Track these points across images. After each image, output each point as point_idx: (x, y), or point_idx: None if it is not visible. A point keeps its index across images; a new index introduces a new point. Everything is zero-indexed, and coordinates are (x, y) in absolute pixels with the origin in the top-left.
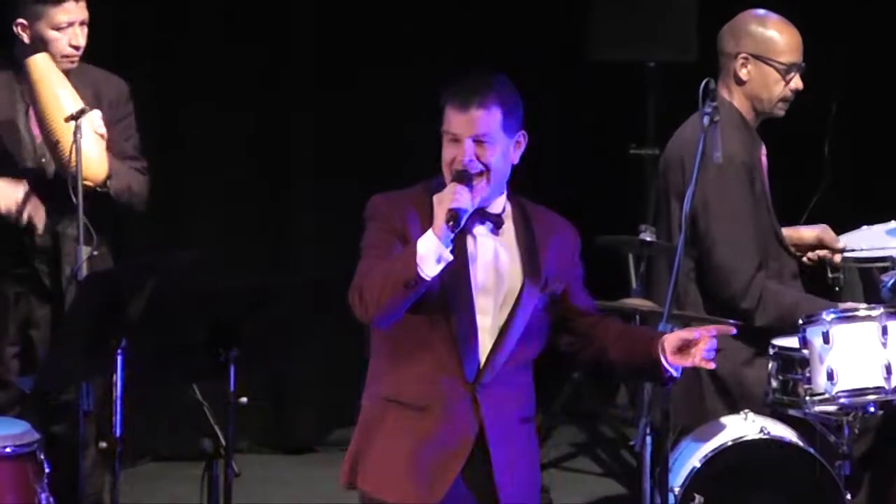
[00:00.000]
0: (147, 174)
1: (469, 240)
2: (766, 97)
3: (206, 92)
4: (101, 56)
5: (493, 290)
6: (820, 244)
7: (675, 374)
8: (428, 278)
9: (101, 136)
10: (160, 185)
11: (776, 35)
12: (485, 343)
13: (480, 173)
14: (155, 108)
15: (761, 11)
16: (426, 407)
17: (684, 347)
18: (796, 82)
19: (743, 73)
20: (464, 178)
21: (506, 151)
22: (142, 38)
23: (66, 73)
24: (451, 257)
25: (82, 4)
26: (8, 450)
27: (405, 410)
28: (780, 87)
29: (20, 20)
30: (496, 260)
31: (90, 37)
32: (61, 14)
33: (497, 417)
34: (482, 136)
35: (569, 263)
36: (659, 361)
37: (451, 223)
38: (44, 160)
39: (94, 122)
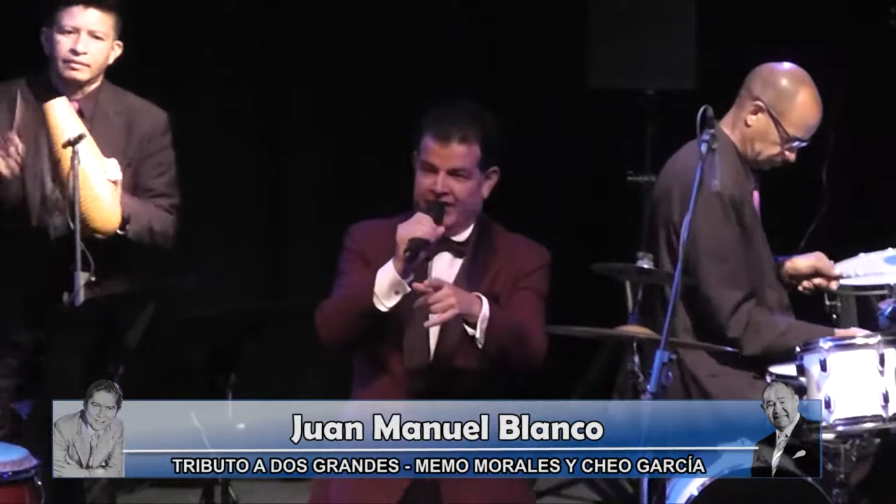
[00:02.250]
0: (174, 212)
1: (430, 267)
2: (759, 149)
3: (207, 117)
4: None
5: None
6: (815, 273)
7: None
8: (384, 309)
9: (115, 182)
10: None
11: (799, 106)
12: None
13: (451, 205)
14: None
15: (801, 73)
16: None
17: None
18: (790, 154)
19: (751, 119)
20: (434, 208)
21: (478, 186)
22: (148, 65)
23: (98, 94)
24: (408, 289)
25: (94, 14)
26: (6, 475)
27: None
28: (775, 149)
29: (43, 28)
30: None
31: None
32: (66, 17)
33: None
34: (459, 170)
35: (515, 276)
36: None
37: (407, 254)
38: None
39: (107, 170)
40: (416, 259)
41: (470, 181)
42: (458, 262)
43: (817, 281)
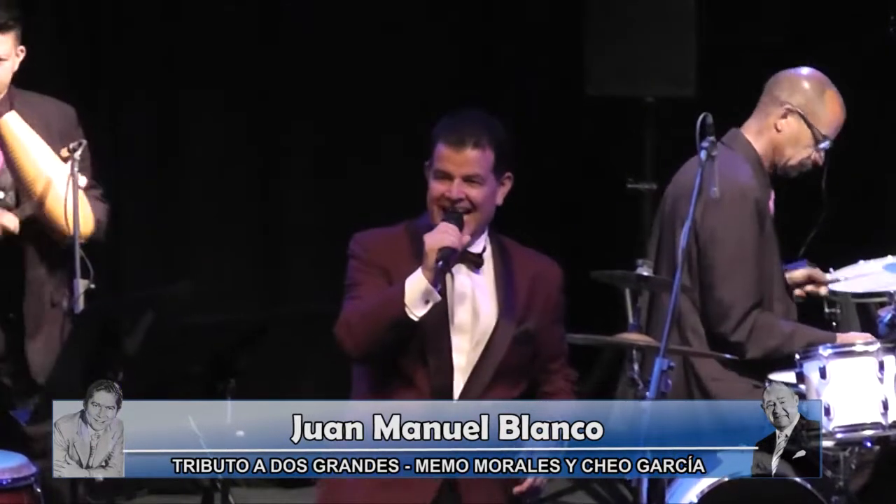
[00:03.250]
0: (105, 201)
1: (448, 278)
2: (790, 154)
3: (204, 121)
4: (100, 83)
5: (469, 329)
6: (808, 280)
7: None
8: (416, 319)
9: (82, 188)
10: (157, 217)
11: (829, 106)
12: (458, 380)
13: (468, 212)
14: (154, 140)
15: (822, 76)
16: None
17: None
18: (819, 156)
19: (781, 123)
20: (453, 217)
21: (493, 192)
22: (142, 68)
23: (11, 101)
24: (439, 298)
25: None
26: (5, 482)
27: None
28: (807, 152)
29: None
30: (473, 299)
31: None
32: None
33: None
34: (473, 177)
35: (545, 302)
36: None
37: (440, 263)
38: (1, 195)
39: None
40: (448, 268)
41: (485, 187)
42: (475, 275)
43: (809, 288)
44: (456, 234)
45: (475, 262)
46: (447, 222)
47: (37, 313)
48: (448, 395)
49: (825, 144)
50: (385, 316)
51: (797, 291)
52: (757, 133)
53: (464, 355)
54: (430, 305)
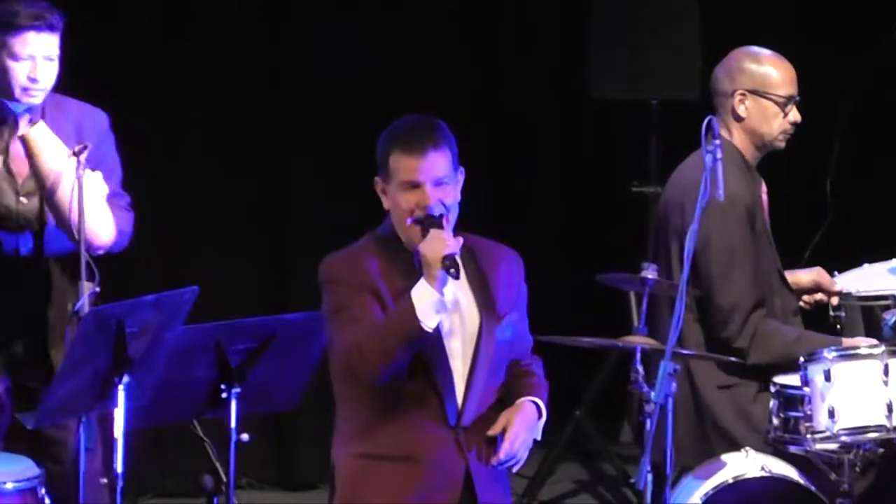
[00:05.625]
0: (132, 210)
1: None
2: (766, 131)
3: (205, 121)
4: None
5: (459, 332)
6: (816, 288)
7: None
8: (430, 330)
9: (103, 196)
10: (162, 222)
11: (772, 69)
12: (459, 385)
13: (442, 215)
14: (158, 145)
15: (753, 48)
16: (412, 457)
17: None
18: (794, 115)
19: (741, 110)
20: (435, 223)
21: (457, 191)
22: (141, 72)
23: (44, 107)
24: (449, 305)
25: (47, 39)
26: (9, 485)
27: (391, 464)
28: (779, 121)
29: None
30: (456, 302)
31: (69, 69)
32: (19, 44)
33: (482, 458)
34: (442, 179)
35: (515, 292)
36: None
37: (452, 270)
38: (24, 200)
39: (95, 183)
40: (454, 274)
41: (450, 186)
42: (448, 278)
43: (818, 296)
44: (451, 239)
45: (445, 265)
46: (435, 229)
47: (59, 321)
48: (452, 400)
49: (792, 103)
50: (400, 333)
51: (805, 298)
52: (727, 131)
53: (458, 359)
54: (442, 314)
